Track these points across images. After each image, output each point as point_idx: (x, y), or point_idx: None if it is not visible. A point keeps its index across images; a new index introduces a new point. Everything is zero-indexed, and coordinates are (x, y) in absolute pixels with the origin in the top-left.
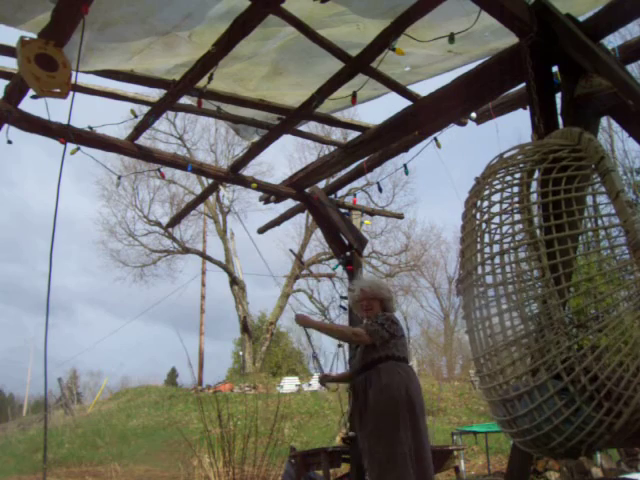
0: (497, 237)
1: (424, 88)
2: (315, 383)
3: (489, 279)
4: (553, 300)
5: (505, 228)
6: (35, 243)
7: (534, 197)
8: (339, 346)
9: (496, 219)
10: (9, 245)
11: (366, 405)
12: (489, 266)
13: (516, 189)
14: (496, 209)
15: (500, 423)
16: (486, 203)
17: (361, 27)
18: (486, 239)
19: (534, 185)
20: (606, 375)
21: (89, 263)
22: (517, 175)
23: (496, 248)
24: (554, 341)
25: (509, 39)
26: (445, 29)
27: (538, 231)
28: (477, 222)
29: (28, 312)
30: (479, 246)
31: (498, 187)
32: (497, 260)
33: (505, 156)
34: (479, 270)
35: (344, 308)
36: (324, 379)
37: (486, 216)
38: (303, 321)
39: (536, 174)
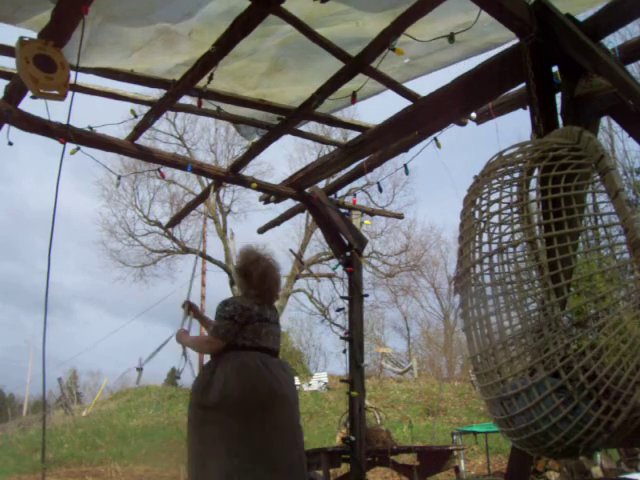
0: (496, 235)
1: (424, 88)
2: (315, 383)
3: (487, 277)
4: (552, 298)
5: (504, 226)
6: (32, 241)
7: (533, 195)
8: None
9: (495, 217)
10: (6, 243)
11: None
12: (487, 264)
13: (515, 187)
14: (495, 207)
15: (497, 422)
16: (485, 201)
17: (360, 24)
18: (484, 237)
19: (533, 183)
20: (605, 373)
21: (87, 261)
22: (516, 173)
23: (494, 246)
24: (552, 339)
25: (508, 33)
26: (445, 22)
27: (537, 229)
28: (476, 220)
29: (26, 311)
30: (477, 243)
31: (497, 185)
32: (495, 258)
33: (504, 154)
34: (477, 268)
35: (342, 309)
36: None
37: (485, 214)
38: (178, 339)
39: (535, 172)
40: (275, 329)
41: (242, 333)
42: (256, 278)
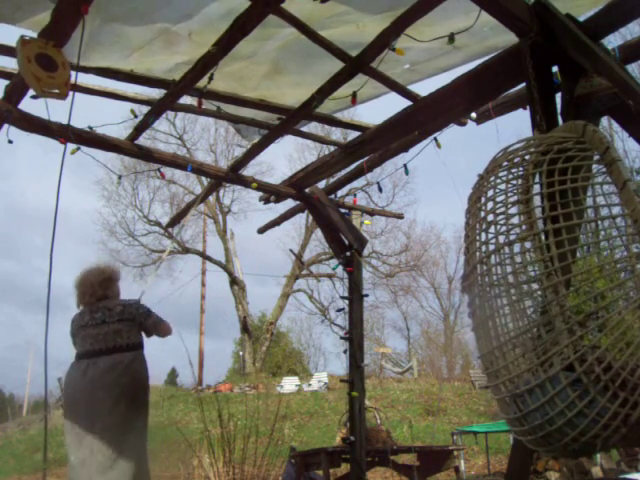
0: (502, 230)
1: (424, 88)
2: (315, 383)
3: (494, 274)
4: (562, 290)
5: (511, 220)
6: (30, 238)
7: (538, 189)
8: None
9: (500, 212)
10: (3, 241)
11: None
12: (494, 260)
13: (520, 181)
14: (501, 202)
15: (510, 422)
16: (491, 195)
17: (360, 26)
18: (491, 233)
19: (538, 178)
20: (620, 364)
21: (86, 260)
22: (521, 167)
23: (501, 242)
24: (564, 331)
25: (508, 36)
26: (444, 26)
27: (545, 221)
28: (481, 216)
29: (24, 309)
30: (484, 240)
31: (502, 180)
32: (502, 254)
33: (509, 150)
34: (484, 265)
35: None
36: None
37: (490, 210)
38: None
39: (540, 167)
40: (94, 330)
41: (76, 344)
42: (76, 287)
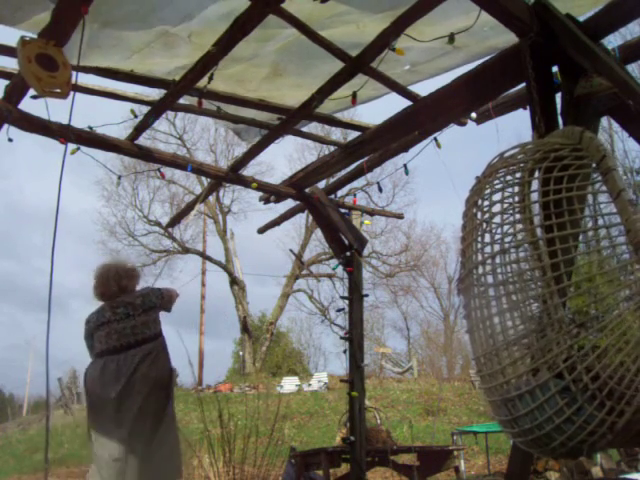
0: (498, 236)
1: (424, 88)
2: (315, 383)
3: (490, 278)
4: (554, 299)
5: (506, 227)
6: (29, 237)
7: (534, 196)
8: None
9: (497, 218)
10: (2, 240)
11: None
12: (490, 265)
13: (517, 188)
14: (497, 208)
15: (501, 423)
16: (487, 202)
17: (360, 26)
18: (487, 238)
19: (535, 184)
20: (608, 374)
21: (85, 259)
22: (518, 174)
23: (497, 247)
24: (555, 340)
25: (508, 36)
26: (444, 26)
27: (539, 230)
28: (478, 221)
29: (23, 309)
30: (480, 245)
31: (499, 186)
32: (498, 259)
33: (506, 155)
34: (480, 269)
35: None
36: None
37: (487, 215)
38: None
39: (536, 173)
40: (119, 325)
41: (94, 343)
42: (94, 283)
